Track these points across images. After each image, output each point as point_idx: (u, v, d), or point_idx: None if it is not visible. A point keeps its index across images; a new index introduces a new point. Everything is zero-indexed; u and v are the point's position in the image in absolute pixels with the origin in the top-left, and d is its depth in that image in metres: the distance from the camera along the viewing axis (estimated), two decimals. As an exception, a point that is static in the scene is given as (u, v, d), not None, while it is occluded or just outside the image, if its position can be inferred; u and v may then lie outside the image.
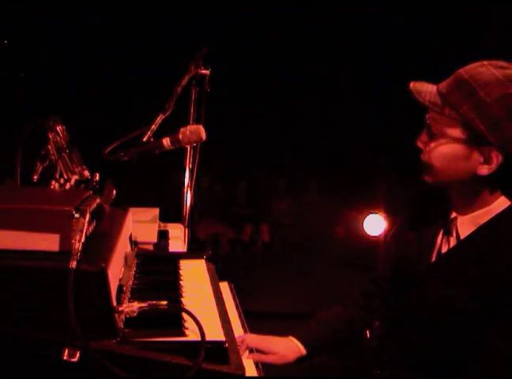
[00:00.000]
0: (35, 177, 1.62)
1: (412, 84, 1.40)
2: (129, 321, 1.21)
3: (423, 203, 1.59)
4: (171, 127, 1.87)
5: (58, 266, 1.07)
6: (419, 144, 1.43)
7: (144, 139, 1.90)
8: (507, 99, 1.29)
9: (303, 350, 1.62)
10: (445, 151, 1.37)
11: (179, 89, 2.13)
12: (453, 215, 1.47)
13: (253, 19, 6.09)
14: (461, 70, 1.36)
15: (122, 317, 1.19)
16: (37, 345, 1.08)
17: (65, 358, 1.06)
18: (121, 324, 1.17)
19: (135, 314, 1.20)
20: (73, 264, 1.07)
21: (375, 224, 4.95)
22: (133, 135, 1.90)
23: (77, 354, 1.06)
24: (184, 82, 2.17)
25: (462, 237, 1.44)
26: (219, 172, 6.61)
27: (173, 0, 5.87)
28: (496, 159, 1.32)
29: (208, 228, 6.38)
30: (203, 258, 1.87)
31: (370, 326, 1.80)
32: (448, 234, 1.48)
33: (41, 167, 1.62)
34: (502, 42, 5.17)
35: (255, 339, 1.59)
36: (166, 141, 1.79)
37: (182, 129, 1.79)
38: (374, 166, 6.51)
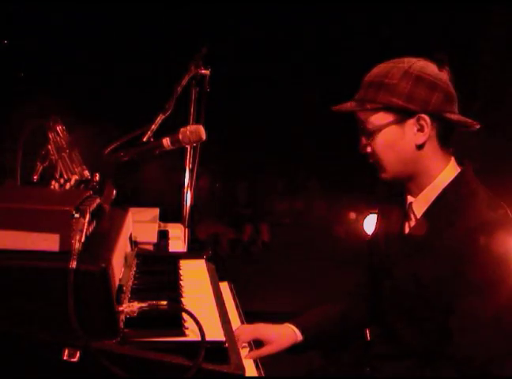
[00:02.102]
0: (35, 177, 1.62)
1: (334, 108, 1.57)
2: (129, 321, 1.21)
3: (387, 202, 1.70)
4: (171, 127, 1.87)
5: (58, 266, 1.07)
6: (363, 150, 1.56)
7: (144, 139, 1.90)
8: (408, 74, 1.46)
9: (299, 336, 1.64)
10: (383, 139, 1.50)
11: (179, 89, 2.13)
12: (409, 200, 1.58)
13: (253, 19, 6.09)
14: (364, 78, 1.55)
15: (122, 317, 1.19)
16: (37, 345, 1.08)
17: (65, 358, 1.06)
18: (121, 324, 1.17)
19: (135, 314, 1.20)
20: (73, 264, 1.07)
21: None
22: (133, 135, 1.90)
23: (77, 354, 1.06)
24: (184, 82, 2.17)
25: (419, 217, 1.55)
26: (219, 172, 6.62)
27: (173, 0, 5.87)
28: (425, 122, 1.46)
29: (209, 228, 6.38)
30: (203, 258, 1.87)
31: (364, 323, 1.82)
32: (407, 218, 1.58)
33: (41, 167, 1.62)
34: (502, 43, 5.17)
35: (249, 333, 1.60)
36: (166, 141, 1.78)
37: (182, 129, 1.79)
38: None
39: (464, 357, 1.38)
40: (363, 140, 1.54)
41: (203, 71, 2.28)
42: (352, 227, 5.97)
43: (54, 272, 1.08)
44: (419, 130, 1.47)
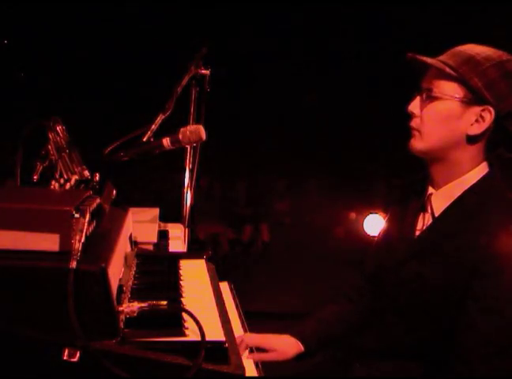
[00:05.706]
0: (35, 177, 1.62)
1: (409, 55, 1.47)
2: (129, 321, 1.21)
3: (406, 191, 1.65)
4: (171, 127, 1.87)
5: (58, 266, 1.07)
6: (412, 109, 1.48)
7: (144, 139, 1.89)
8: (501, 65, 1.40)
9: (301, 347, 1.65)
10: (441, 108, 1.42)
11: (179, 89, 2.12)
12: (430, 191, 1.53)
13: (253, 19, 6.09)
14: (452, 48, 1.47)
15: (122, 317, 1.19)
16: (37, 345, 1.08)
17: (65, 358, 1.06)
18: (121, 324, 1.17)
19: (135, 314, 1.20)
20: (73, 264, 1.06)
21: (375, 224, 4.95)
22: (133, 135, 1.90)
23: (77, 354, 1.06)
24: (184, 82, 2.17)
25: (436, 213, 1.49)
26: (218, 172, 6.61)
27: (173, 0, 5.87)
28: (489, 116, 1.39)
29: (208, 228, 6.38)
30: (203, 258, 1.86)
31: (361, 325, 1.81)
32: (423, 210, 1.53)
33: (41, 167, 1.62)
34: (502, 43, 5.16)
35: (254, 338, 1.61)
36: (166, 141, 1.79)
37: (182, 129, 1.79)
38: (374, 166, 6.51)
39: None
40: (418, 100, 1.47)
41: (203, 71, 2.28)
42: (352, 227, 5.98)
43: (53, 272, 1.07)
44: (477, 121, 1.40)
